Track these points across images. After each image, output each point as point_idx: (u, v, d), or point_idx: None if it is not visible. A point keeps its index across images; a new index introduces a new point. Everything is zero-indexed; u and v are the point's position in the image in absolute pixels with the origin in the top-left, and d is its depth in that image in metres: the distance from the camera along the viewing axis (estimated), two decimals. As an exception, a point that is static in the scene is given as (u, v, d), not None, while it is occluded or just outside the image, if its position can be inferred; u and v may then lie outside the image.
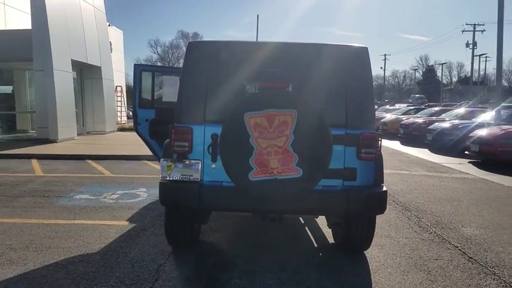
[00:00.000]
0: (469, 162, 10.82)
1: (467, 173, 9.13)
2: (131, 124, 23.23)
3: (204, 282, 3.34)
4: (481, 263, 3.81)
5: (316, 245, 4.35)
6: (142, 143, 6.01)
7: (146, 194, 6.40)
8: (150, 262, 3.70)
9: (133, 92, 5.65)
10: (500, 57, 13.37)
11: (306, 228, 4.85)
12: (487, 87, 59.57)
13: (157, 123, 5.46)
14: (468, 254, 4.03)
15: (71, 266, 3.62)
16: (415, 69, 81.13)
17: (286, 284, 3.28)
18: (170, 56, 69.13)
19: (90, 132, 16.19)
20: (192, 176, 3.43)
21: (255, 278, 3.40)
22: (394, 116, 20.66)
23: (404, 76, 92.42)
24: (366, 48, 3.50)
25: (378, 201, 3.37)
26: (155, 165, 9.28)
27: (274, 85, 3.31)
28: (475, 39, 45.13)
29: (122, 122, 21.25)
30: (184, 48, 70.77)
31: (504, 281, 3.44)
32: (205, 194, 3.36)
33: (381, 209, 3.41)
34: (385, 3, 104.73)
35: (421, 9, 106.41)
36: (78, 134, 14.49)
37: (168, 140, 3.83)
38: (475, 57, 46.13)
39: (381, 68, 75.73)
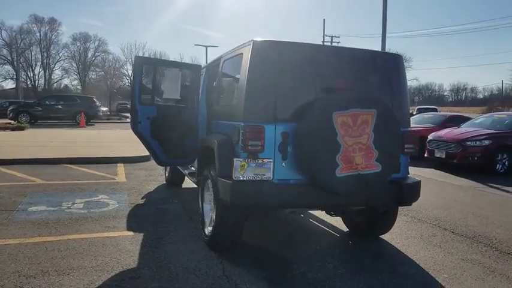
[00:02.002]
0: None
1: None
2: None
3: (288, 280, 3.43)
4: (464, 236, 4.75)
5: (338, 235, 4.75)
6: (43, 143, 5.44)
7: (115, 201, 5.83)
8: (210, 269, 3.56)
9: (132, 87, 5.09)
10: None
11: (311, 220, 5.21)
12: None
13: (160, 122, 5.07)
14: (449, 230, 4.97)
15: (127, 284, 3.26)
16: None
17: (354, 272, 3.61)
18: (19, 42, 59.77)
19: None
20: (264, 175, 3.44)
21: (325, 269, 3.64)
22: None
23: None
24: (401, 55, 4.04)
25: (419, 190, 3.95)
26: (83, 169, 8.37)
27: (343, 87, 3.58)
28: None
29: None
30: (38, 34, 62.35)
31: (492, 246, 4.40)
32: (279, 192, 3.44)
33: (419, 197, 4.01)
34: (248, 8, 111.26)
35: (281, 17, 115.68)
36: None
37: (212, 136, 3.83)
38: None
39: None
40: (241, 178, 3.42)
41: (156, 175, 8.05)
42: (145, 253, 3.92)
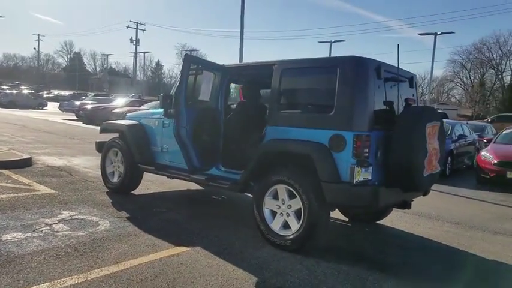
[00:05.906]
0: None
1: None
2: None
3: (388, 264, 4.03)
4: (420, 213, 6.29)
5: (349, 224, 5.46)
6: None
7: (95, 217, 4.87)
8: (322, 269, 3.77)
9: (179, 88, 4.29)
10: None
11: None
12: (131, 80, 67.03)
13: (198, 126, 4.53)
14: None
15: None
16: (60, 55, 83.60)
17: (399, 248, 4.56)
18: None
19: None
20: (368, 178, 3.86)
21: (385, 251, 4.40)
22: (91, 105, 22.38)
23: (48, 60, 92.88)
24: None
25: None
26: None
27: (412, 102, 4.34)
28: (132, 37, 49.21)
29: None
30: None
31: (439, 220, 6.06)
32: (385, 192, 3.97)
33: None
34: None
35: None
36: None
37: (293, 142, 4.12)
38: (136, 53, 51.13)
39: (34, 48, 73.29)
40: (359, 183, 3.79)
41: (77, 182, 6.79)
42: (241, 266, 3.74)
